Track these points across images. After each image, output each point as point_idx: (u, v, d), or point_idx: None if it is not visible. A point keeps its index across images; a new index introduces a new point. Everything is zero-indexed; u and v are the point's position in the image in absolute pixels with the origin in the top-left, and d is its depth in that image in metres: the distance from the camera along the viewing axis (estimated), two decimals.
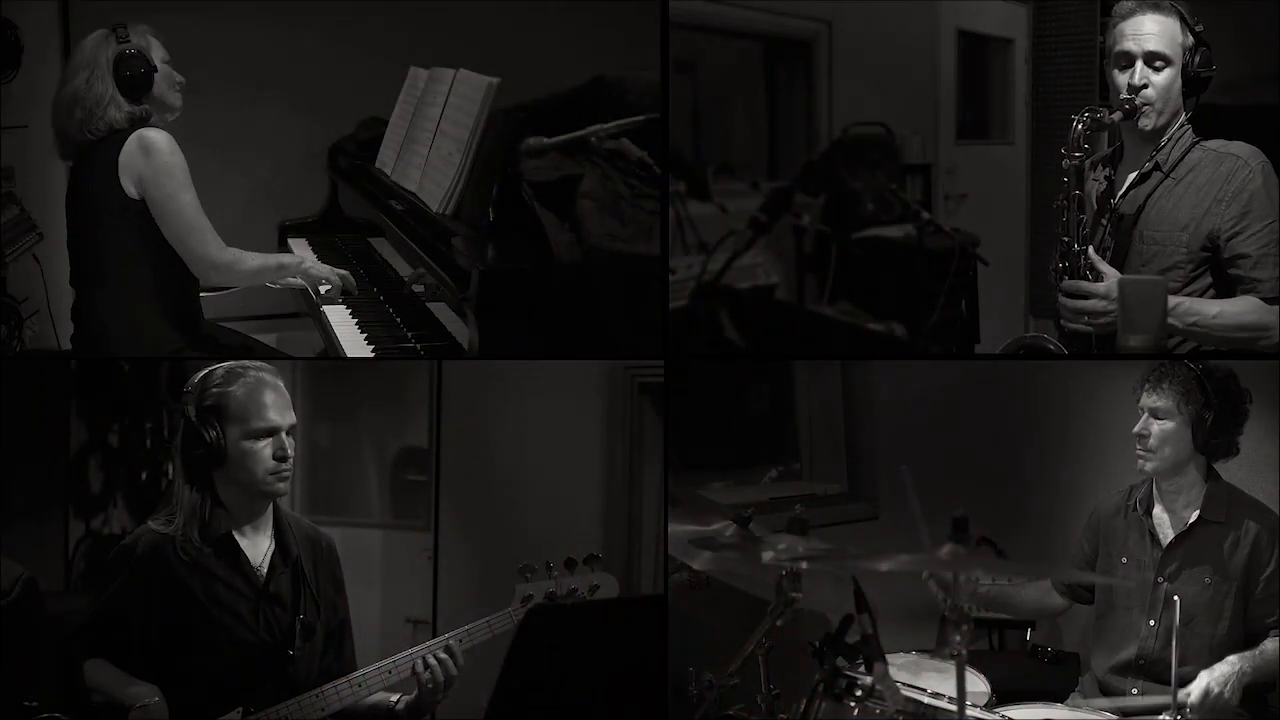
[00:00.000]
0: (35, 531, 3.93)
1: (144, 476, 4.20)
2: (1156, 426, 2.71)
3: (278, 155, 4.81)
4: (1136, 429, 2.74)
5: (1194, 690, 2.55)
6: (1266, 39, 3.50)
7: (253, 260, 3.27)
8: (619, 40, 4.18)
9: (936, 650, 2.86)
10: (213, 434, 2.46)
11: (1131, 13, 2.72)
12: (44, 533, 4.00)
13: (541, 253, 2.89)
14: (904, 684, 2.51)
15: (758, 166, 4.21)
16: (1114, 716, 2.69)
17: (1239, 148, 2.70)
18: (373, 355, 3.16)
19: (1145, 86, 2.70)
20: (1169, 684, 2.53)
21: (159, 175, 3.07)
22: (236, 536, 2.50)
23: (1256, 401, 2.74)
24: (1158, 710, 2.62)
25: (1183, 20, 2.71)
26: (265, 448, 2.47)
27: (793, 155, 4.27)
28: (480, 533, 3.92)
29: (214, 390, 2.48)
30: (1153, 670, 2.72)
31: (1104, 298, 2.65)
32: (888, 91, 4.30)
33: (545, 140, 3.14)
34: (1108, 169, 2.84)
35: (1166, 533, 2.77)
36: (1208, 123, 2.77)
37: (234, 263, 3.21)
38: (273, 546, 2.54)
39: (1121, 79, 2.72)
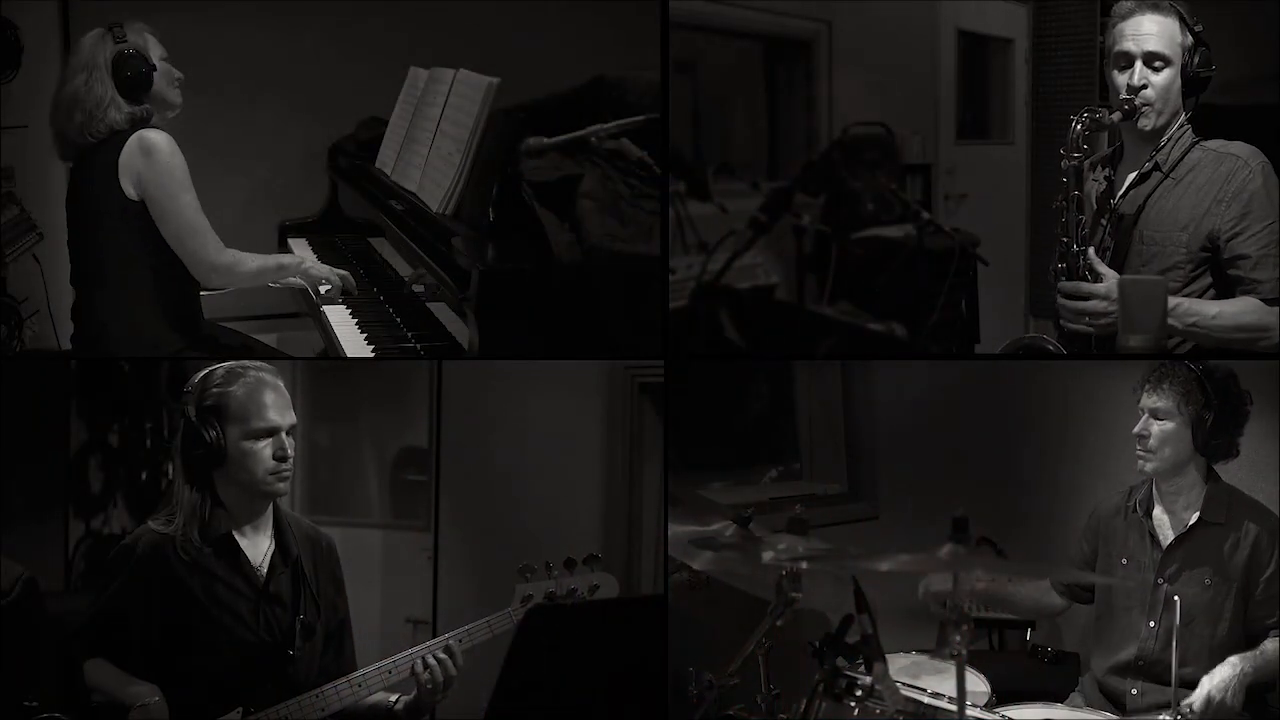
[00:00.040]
0: (35, 531, 3.93)
1: (144, 476, 4.20)
2: (1156, 427, 2.71)
3: (278, 155, 4.81)
4: (1136, 430, 2.74)
5: (1195, 699, 2.54)
6: (1266, 39, 3.50)
7: (252, 261, 3.27)
8: (619, 40, 4.17)
9: (936, 650, 2.86)
10: (213, 434, 2.46)
11: (1131, 13, 2.72)
12: (44, 533, 4.00)
13: (541, 253, 2.89)
14: (904, 684, 2.51)
15: (758, 166, 4.20)
16: (1114, 717, 2.70)
17: (1239, 148, 2.70)
18: (373, 355, 3.16)
19: (1145, 87, 2.70)
20: (1169, 684, 2.53)
21: (159, 177, 3.07)
22: (236, 536, 2.50)
23: (1257, 402, 2.74)
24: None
25: (1182, 20, 2.71)
26: (265, 448, 2.47)
27: (793, 155, 4.27)
28: (480, 533, 3.92)
29: (214, 390, 2.48)
30: (1152, 671, 2.72)
31: (1104, 298, 2.65)
32: (888, 91, 4.30)
33: (545, 140, 3.14)
34: (1107, 169, 2.84)
35: (1166, 534, 2.76)
36: (1207, 123, 2.77)
37: (234, 264, 3.21)
38: (273, 546, 2.54)
39: (1121, 79, 2.72)
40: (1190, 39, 2.71)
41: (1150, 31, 2.69)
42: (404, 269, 3.51)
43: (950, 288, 3.46)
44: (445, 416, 4.04)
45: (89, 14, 3.25)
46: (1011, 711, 2.61)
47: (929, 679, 2.70)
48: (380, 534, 4.22)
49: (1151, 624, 2.73)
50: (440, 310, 3.18)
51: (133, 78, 3.10)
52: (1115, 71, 2.74)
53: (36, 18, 4.41)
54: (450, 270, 3.00)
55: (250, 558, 2.51)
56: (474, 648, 2.51)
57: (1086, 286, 2.68)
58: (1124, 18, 2.73)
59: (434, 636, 2.54)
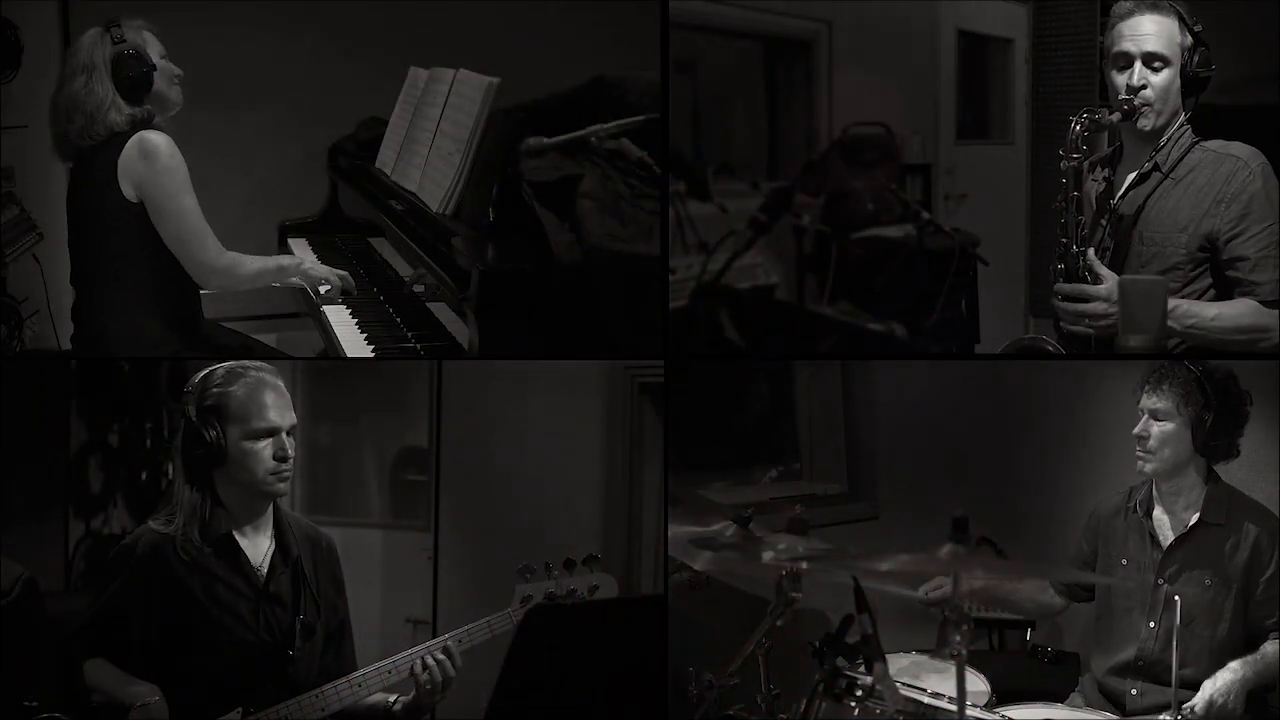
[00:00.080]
0: (35, 531, 3.93)
1: (144, 476, 4.20)
2: (1156, 428, 2.71)
3: (278, 155, 4.81)
4: (1136, 431, 2.74)
5: (1198, 701, 2.54)
6: (1266, 39, 3.50)
7: (252, 264, 3.27)
8: (619, 40, 4.18)
9: (936, 650, 2.86)
10: (213, 434, 2.46)
11: (1130, 13, 2.72)
12: (44, 533, 4.00)
13: (541, 253, 2.89)
14: (904, 684, 2.51)
15: (758, 166, 4.20)
16: (1114, 717, 2.70)
17: (1239, 149, 2.69)
18: (373, 355, 3.16)
19: (1144, 87, 2.69)
20: (1168, 685, 2.53)
21: (158, 180, 3.06)
22: (237, 536, 2.50)
23: (1257, 403, 2.74)
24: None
25: (1181, 20, 2.70)
26: (266, 448, 2.47)
27: (793, 155, 4.27)
28: (480, 533, 3.92)
29: (214, 390, 2.48)
30: (1152, 671, 2.72)
31: (1105, 300, 2.65)
32: (887, 91, 4.30)
33: (545, 140, 3.14)
34: (1107, 169, 2.84)
35: (1166, 534, 2.76)
36: (1207, 123, 2.77)
37: (233, 267, 3.20)
38: (273, 546, 2.54)
39: (1120, 79, 2.72)
40: (1189, 39, 2.71)
41: (1149, 32, 2.69)
42: (404, 269, 3.51)
43: (950, 288, 3.47)
44: (445, 416, 4.04)
45: (89, 14, 3.24)
46: (1011, 711, 2.61)
47: (929, 679, 2.70)
48: (380, 534, 4.22)
49: (1151, 624, 2.73)
50: (440, 310, 3.18)
51: (133, 79, 3.08)
52: (1114, 72, 2.74)
53: (36, 18, 4.41)
54: (450, 270, 3.00)
55: (250, 558, 2.51)
56: (474, 648, 2.51)
57: (1087, 288, 2.68)
58: (1123, 18, 2.73)
59: (434, 637, 2.54)
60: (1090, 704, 2.81)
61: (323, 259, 3.92)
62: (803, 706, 2.29)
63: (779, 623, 2.36)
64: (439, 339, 3.13)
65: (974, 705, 2.51)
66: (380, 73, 4.34)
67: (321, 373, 4.17)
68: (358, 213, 4.22)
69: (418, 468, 4.15)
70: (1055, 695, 2.84)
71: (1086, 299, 2.68)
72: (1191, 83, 2.73)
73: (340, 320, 3.36)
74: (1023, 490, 3.62)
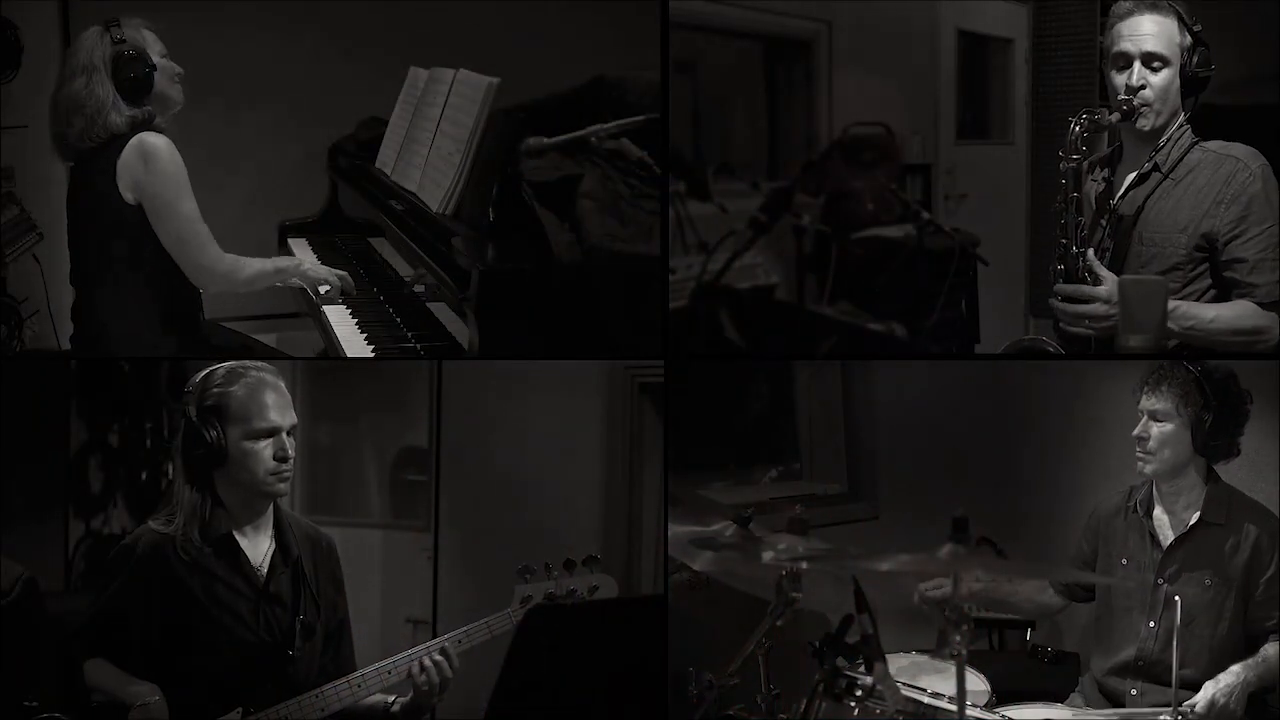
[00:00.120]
0: (35, 531, 3.93)
1: (144, 476, 4.20)
2: (1156, 429, 2.71)
3: (278, 155, 4.81)
4: (1136, 432, 2.73)
5: (1199, 701, 2.54)
6: (1266, 39, 3.50)
7: (251, 266, 3.26)
8: (619, 40, 4.18)
9: (936, 650, 2.86)
10: (213, 434, 2.46)
11: (1129, 13, 2.72)
12: (44, 533, 4.01)
13: (541, 253, 2.89)
14: (904, 684, 2.51)
15: (758, 166, 4.21)
16: (1114, 716, 2.70)
17: (1239, 149, 2.69)
18: (373, 355, 3.16)
19: (1143, 87, 2.69)
20: (1168, 685, 2.53)
21: (157, 183, 3.05)
22: (237, 536, 2.50)
23: (1257, 403, 2.74)
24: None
25: (1181, 20, 2.70)
26: (266, 448, 2.47)
27: (793, 155, 4.27)
28: (480, 533, 3.92)
29: (215, 390, 2.48)
30: (1152, 671, 2.71)
31: (1105, 301, 2.64)
32: (888, 92, 4.30)
33: (545, 140, 3.14)
34: (1106, 170, 2.84)
35: (1166, 534, 2.76)
36: (1207, 123, 2.77)
37: (232, 270, 3.20)
38: (273, 546, 2.54)
39: (1119, 80, 2.72)
40: (1189, 39, 2.70)
41: (1149, 32, 2.69)
42: (404, 269, 3.51)
43: (950, 288, 3.47)
44: (445, 416, 4.04)
45: (89, 13, 3.23)
46: (1011, 711, 2.61)
47: (929, 679, 2.70)
48: (380, 534, 4.22)
49: (1151, 624, 2.73)
50: (440, 310, 3.18)
51: (134, 79, 3.06)
52: (1114, 72, 2.74)
53: (36, 18, 4.41)
54: (450, 270, 3.00)
55: (250, 558, 2.51)
56: (473, 648, 2.51)
57: (1086, 289, 2.68)
58: (1122, 18, 2.73)
59: (434, 637, 2.54)
60: (1090, 704, 2.81)
61: (323, 259, 3.92)
62: (803, 706, 2.29)
63: (779, 623, 2.36)
64: (439, 339, 3.13)
65: (974, 705, 2.51)
66: (380, 73, 4.33)
67: (321, 373, 4.17)
68: (358, 213, 4.22)
69: (418, 468, 4.15)
70: (1055, 695, 2.84)
71: (1086, 300, 2.68)
72: (1191, 83, 2.73)
73: (340, 320, 3.36)
74: (1023, 490, 3.62)
